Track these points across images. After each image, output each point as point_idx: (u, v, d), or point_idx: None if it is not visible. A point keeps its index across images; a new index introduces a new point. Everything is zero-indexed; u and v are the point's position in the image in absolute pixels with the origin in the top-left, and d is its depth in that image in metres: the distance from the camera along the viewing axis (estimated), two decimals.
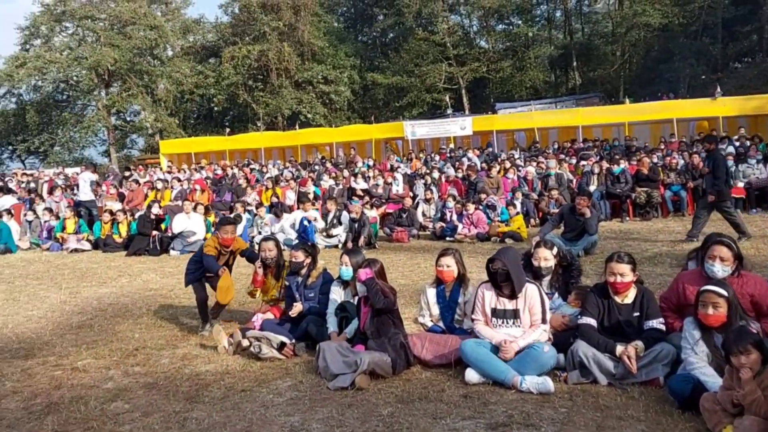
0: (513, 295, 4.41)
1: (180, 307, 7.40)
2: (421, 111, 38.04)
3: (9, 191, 16.19)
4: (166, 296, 8.07)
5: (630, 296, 4.36)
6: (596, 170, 13.82)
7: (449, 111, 33.72)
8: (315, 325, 5.21)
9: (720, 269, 4.26)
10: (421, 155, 20.81)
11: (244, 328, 5.61)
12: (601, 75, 41.93)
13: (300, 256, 5.54)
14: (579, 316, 4.44)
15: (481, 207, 11.81)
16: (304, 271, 5.59)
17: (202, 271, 6.25)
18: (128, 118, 42.83)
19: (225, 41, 39.80)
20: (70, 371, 5.14)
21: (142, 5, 38.90)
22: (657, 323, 4.26)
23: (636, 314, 4.32)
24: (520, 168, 15.12)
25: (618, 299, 4.36)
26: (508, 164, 15.04)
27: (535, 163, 15.16)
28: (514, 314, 4.42)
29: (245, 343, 5.26)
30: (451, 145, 22.13)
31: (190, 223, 12.36)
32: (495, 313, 4.46)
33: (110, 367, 5.19)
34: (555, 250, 5.28)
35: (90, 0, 39.00)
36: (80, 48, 38.16)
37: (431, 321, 5.00)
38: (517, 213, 11.42)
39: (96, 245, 13.02)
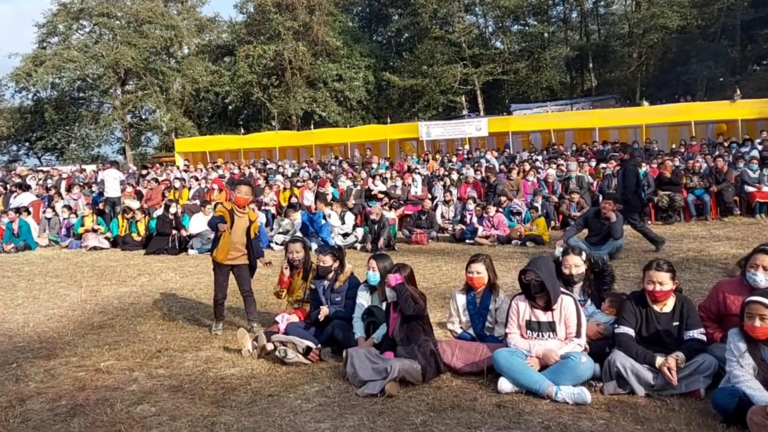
0: (548, 307, 4.30)
1: (201, 307, 7.34)
2: (436, 113, 37.88)
3: (27, 188, 16.24)
4: (186, 296, 8.02)
5: (669, 305, 4.23)
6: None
7: (465, 112, 33.52)
8: (341, 330, 5.12)
9: (763, 279, 4.14)
10: (437, 156, 20.72)
11: (269, 331, 5.54)
12: (618, 77, 41.60)
13: (328, 260, 5.45)
14: (615, 325, 4.32)
15: (502, 210, 11.68)
16: (331, 275, 5.51)
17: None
18: (143, 116, 43.06)
19: (239, 40, 39.83)
20: (93, 372, 5.09)
21: (158, 4, 39.05)
22: (698, 333, 4.14)
23: (675, 324, 4.19)
24: (540, 170, 14.95)
25: (657, 308, 4.24)
26: (527, 166, 14.87)
27: (555, 166, 14.98)
28: (550, 326, 4.31)
29: (270, 346, 5.20)
30: (467, 147, 21.99)
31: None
32: (530, 325, 4.35)
33: (134, 369, 5.13)
34: (584, 255, 5.15)
35: None
36: (97, 46, 38.38)
37: (461, 328, 4.89)
38: (539, 215, 11.28)
39: (114, 243, 13.02)
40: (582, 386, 4.09)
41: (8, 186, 16.84)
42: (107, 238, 13.24)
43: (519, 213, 12.14)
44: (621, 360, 4.06)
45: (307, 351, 5.02)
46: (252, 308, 6.28)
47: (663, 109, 22.49)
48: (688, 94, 31.83)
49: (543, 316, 4.33)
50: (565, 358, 4.15)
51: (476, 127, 22.46)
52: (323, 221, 11.75)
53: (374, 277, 5.08)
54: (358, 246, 11.57)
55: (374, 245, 11.24)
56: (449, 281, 8.29)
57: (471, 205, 12.04)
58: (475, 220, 11.53)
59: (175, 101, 38.62)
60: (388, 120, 29.49)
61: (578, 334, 4.31)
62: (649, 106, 23.42)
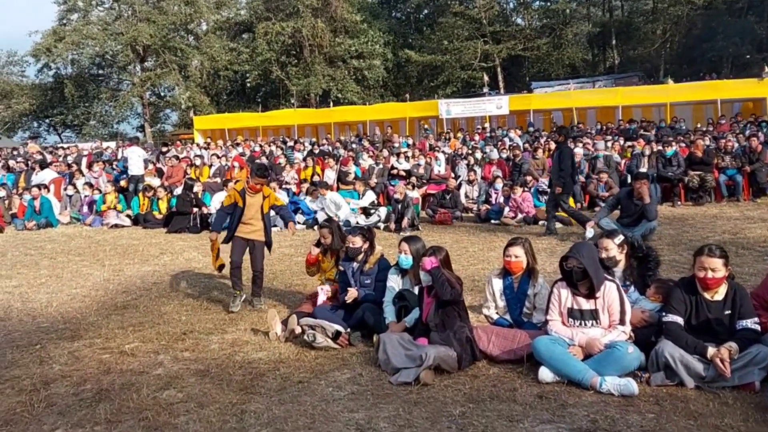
0: (591, 294, 4.08)
1: (225, 288, 7.21)
2: (455, 89, 37.33)
3: (48, 165, 16.21)
4: (210, 276, 7.91)
5: (721, 293, 3.99)
6: (647, 152, 13.25)
7: (485, 89, 32.99)
8: (372, 314, 4.95)
9: None
10: (459, 134, 20.41)
11: (299, 311, 5.39)
12: (641, 54, 40.70)
13: (357, 241, 5.27)
14: (663, 314, 4.09)
15: (528, 190, 11.39)
16: (360, 256, 5.33)
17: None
18: (162, 94, 43.05)
19: (258, 17, 39.46)
20: (118, 355, 4.99)
21: None
22: (752, 323, 3.90)
23: (727, 312, 3.96)
24: None
25: (707, 296, 4.00)
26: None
27: (581, 144, 14.60)
28: (592, 314, 4.09)
29: (297, 330, 5.06)
30: (486, 125, 21.64)
31: None
32: (572, 313, 4.14)
33: (159, 352, 5.02)
34: (618, 239, 4.91)
35: None
36: (116, 23, 38.30)
37: (497, 313, 4.69)
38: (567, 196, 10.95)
39: (135, 221, 12.97)
40: (628, 377, 3.88)
41: (29, 163, 16.81)
42: (128, 216, 13.18)
43: (545, 193, 11.84)
44: (669, 350, 3.84)
45: (336, 335, 4.87)
46: (257, 286, 6.34)
47: (688, 87, 22.04)
48: (713, 72, 31.10)
49: (585, 304, 4.11)
50: (609, 347, 3.94)
51: (497, 105, 22.17)
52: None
53: (406, 260, 4.89)
54: (382, 225, 11.37)
55: (398, 225, 11.05)
56: (476, 263, 8.08)
57: (499, 185, 11.75)
58: (501, 199, 11.27)
59: (194, 79, 38.51)
60: (408, 97, 29.12)
61: (622, 322, 4.09)
62: (674, 84, 22.84)
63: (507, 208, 11.02)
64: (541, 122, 22.46)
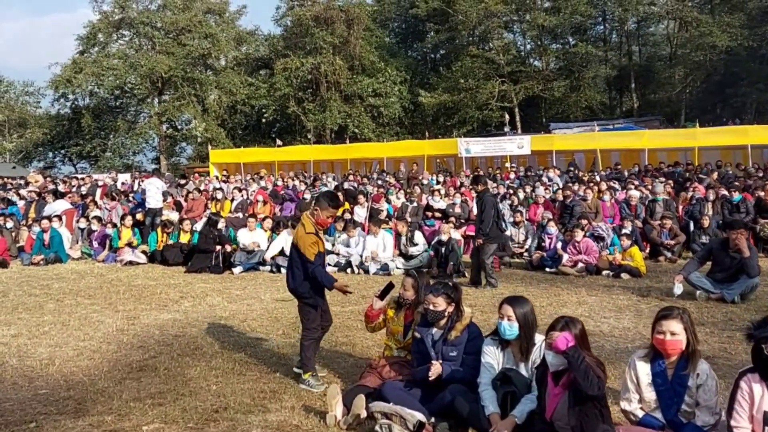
0: None
1: (259, 345, 6.10)
2: (471, 128, 36.73)
3: (62, 195, 15.29)
4: (239, 328, 6.79)
5: None
6: (711, 197, 12.13)
7: (507, 129, 32.30)
8: (465, 400, 3.79)
9: None
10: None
11: (361, 386, 4.27)
12: (661, 98, 40.14)
13: (440, 302, 4.13)
14: None
15: (586, 234, 10.26)
16: (444, 322, 4.18)
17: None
18: (178, 126, 42.71)
19: (276, 54, 39.39)
20: None
21: (197, 14, 38.85)
22: None
23: None
24: (616, 191, 13.52)
25: None
26: (603, 185, 13.41)
27: (633, 186, 13.50)
28: None
29: (364, 414, 3.93)
30: (508, 164, 20.98)
31: (254, 238, 11.26)
32: None
33: None
34: None
35: (147, 8, 39.17)
36: (136, 55, 38.26)
37: (641, 409, 3.50)
38: (632, 244, 9.79)
39: (151, 258, 11.93)
40: None
41: (42, 194, 15.87)
42: (144, 252, 12.15)
43: (602, 239, 10.72)
44: None
45: (418, 427, 3.72)
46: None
47: (716, 132, 21.52)
48: (736, 118, 30.33)
49: None
50: None
51: (518, 144, 21.71)
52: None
53: (511, 329, 3.76)
54: (423, 270, 10.24)
55: (442, 270, 9.94)
56: (542, 318, 6.94)
57: (552, 229, 10.65)
58: (559, 245, 10.11)
59: (211, 112, 38.25)
60: (426, 135, 28.42)
61: None
62: (703, 128, 22.03)
63: (566, 255, 9.85)
64: (563, 164, 21.66)
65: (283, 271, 10.57)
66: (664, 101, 40.47)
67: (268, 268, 10.79)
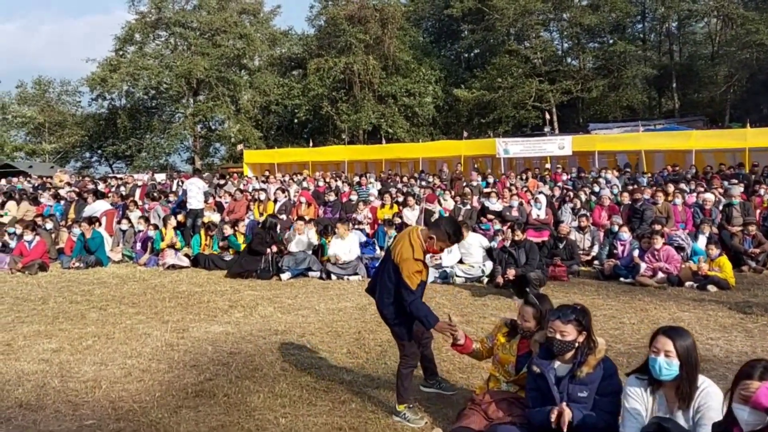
0: None
1: (324, 364, 5.45)
2: (507, 129, 35.81)
3: (103, 195, 14.88)
4: (299, 345, 6.13)
5: None
6: None
7: (547, 129, 31.38)
8: None
9: None
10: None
11: (462, 428, 3.57)
12: (704, 98, 38.70)
13: (570, 331, 3.38)
14: None
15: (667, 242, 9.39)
16: (570, 354, 3.44)
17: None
18: (213, 127, 42.66)
19: (310, 53, 39.07)
20: None
21: (232, 14, 38.73)
22: None
23: None
24: (686, 194, 12.57)
25: None
26: (671, 188, 12.47)
27: (702, 189, 12.55)
28: None
29: None
30: (548, 165, 20.22)
31: (303, 241, 10.63)
32: None
33: None
34: None
35: (183, 8, 39.16)
36: (172, 56, 38.28)
37: None
38: (720, 254, 8.87)
39: (195, 261, 11.40)
40: None
41: (82, 193, 15.48)
42: (187, 255, 11.63)
43: (681, 248, 9.82)
44: None
45: None
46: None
47: None
48: None
49: None
50: None
51: (559, 145, 20.93)
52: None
53: (669, 367, 3.01)
54: (485, 280, 9.50)
55: (507, 281, 9.15)
56: (625, 336, 6.19)
57: (625, 234, 9.79)
58: (635, 252, 9.24)
59: (245, 112, 38.11)
60: (464, 134, 27.60)
61: None
62: (754, 129, 20.76)
63: (643, 264, 8.99)
64: (605, 165, 20.66)
65: (334, 278, 10.01)
66: (705, 101, 39.07)
67: (317, 274, 10.14)
